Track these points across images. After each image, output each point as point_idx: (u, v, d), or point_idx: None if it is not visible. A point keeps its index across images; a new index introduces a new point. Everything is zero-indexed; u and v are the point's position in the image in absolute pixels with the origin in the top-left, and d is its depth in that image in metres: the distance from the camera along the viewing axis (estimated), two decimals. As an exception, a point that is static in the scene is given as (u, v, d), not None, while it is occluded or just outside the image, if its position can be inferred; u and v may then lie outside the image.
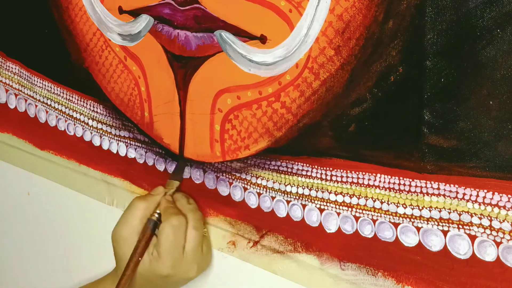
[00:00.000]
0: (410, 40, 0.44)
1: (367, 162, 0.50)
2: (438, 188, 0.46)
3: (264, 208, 0.59)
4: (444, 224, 0.47)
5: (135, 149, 0.68)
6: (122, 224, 0.60)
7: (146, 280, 0.58)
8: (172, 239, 0.56)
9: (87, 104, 0.72)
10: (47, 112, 0.77)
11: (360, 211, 0.51)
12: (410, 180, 0.48)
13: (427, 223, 0.48)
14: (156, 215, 0.59)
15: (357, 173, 0.51)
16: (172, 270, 0.56)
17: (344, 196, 0.52)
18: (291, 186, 0.56)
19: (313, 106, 0.51)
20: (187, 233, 0.57)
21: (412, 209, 0.48)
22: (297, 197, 0.55)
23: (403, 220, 0.49)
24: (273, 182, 0.57)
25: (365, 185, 0.50)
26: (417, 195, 0.48)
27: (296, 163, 0.54)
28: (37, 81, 0.76)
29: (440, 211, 0.47)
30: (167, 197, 0.61)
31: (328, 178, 0.53)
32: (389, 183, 0.49)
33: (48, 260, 0.87)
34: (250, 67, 0.54)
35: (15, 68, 0.78)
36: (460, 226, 0.46)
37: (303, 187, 0.55)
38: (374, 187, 0.50)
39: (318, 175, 0.53)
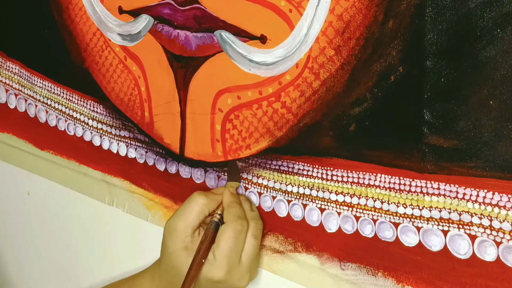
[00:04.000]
0: (410, 40, 0.44)
1: (367, 162, 0.50)
2: (438, 188, 0.46)
3: (265, 207, 0.59)
4: (444, 224, 0.47)
5: (136, 149, 0.68)
6: (178, 216, 0.55)
7: (195, 283, 0.54)
8: (232, 244, 0.53)
9: (87, 104, 0.72)
10: (47, 112, 0.77)
11: (361, 211, 0.51)
12: (410, 180, 0.48)
13: (427, 223, 0.48)
14: (218, 216, 0.55)
15: (358, 173, 0.51)
16: (225, 276, 0.53)
17: (344, 195, 0.52)
18: (292, 186, 0.56)
19: (313, 106, 0.51)
20: (246, 240, 0.54)
21: (413, 209, 0.48)
22: (297, 197, 0.56)
23: (403, 220, 0.49)
24: (274, 182, 0.57)
25: (365, 185, 0.50)
26: (417, 195, 0.48)
27: (297, 163, 0.54)
28: (37, 81, 0.76)
29: (440, 211, 0.47)
30: (231, 189, 0.57)
31: (329, 177, 0.53)
32: (389, 183, 0.49)
33: (48, 260, 0.87)
34: (250, 67, 0.54)
35: (15, 68, 0.78)
36: (460, 226, 0.46)
37: (304, 186, 0.55)
38: (374, 187, 0.50)
39: (319, 175, 0.53)
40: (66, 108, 0.74)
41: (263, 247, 0.60)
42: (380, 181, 0.50)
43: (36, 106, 0.78)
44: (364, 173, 0.50)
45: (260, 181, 0.58)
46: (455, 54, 0.43)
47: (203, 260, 0.53)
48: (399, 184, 0.49)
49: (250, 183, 0.59)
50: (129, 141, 0.69)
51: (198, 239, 0.55)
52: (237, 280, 0.54)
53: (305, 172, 0.54)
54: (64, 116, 0.75)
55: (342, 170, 0.52)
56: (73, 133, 0.75)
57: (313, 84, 0.51)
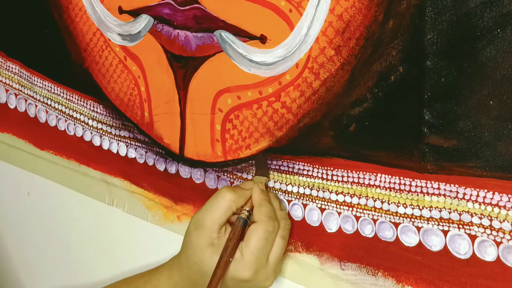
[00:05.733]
0: (410, 40, 0.44)
1: (367, 161, 0.50)
2: (439, 188, 0.46)
3: (264, 208, 0.58)
4: (444, 224, 0.47)
5: (135, 149, 0.68)
6: (205, 212, 0.54)
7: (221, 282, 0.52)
8: (262, 245, 0.52)
9: (87, 104, 0.72)
10: (47, 112, 0.77)
11: (361, 210, 0.52)
12: (411, 180, 0.48)
13: (428, 223, 0.48)
14: (246, 213, 0.54)
15: (358, 172, 0.51)
16: (252, 276, 0.52)
17: (344, 195, 0.52)
18: (292, 186, 0.56)
19: (313, 106, 0.51)
20: (274, 240, 0.53)
21: (413, 208, 0.48)
22: (298, 197, 0.56)
23: (403, 220, 0.49)
24: (274, 182, 0.57)
25: (365, 185, 0.50)
26: (418, 195, 0.48)
27: (297, 163, 0.54)
28: (37, 81, 0.76)
29: (440, 211, 0.47)
30: (260, 185, 0.55)
31: (329, 177, 0.53)
32: (389, 182, 0.49)
33: (48, 260, 0.87)
34: (250, 67, 0.54)
35: (15, 68, 0.78)
36: (461, 226, 0.46)
37: (304, 186, 0.55)
38: (374, 186, 0.50)
39: (319, 175, 0.53)
40: (66, 108, 0.74)
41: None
42: (380, 181, 0.50)
43: (36, 106, 0.78)
44: (364, 173, 0.50)
45: (260, 181, 0.58)
46: (455, 54, 0.43)
47: (231, 259, 0.52)
48: (399, 184, 0.49)
49: (250, 183, 0.59)
50: (129, 141, 0.69)
51: (225, 236, 0.53)
52: (262, 280, 0.53)
53: (305, 172, 0.54)
54: (64, 116, 0.75)
55: (342, 170, 0.52)
56: (73, 133, 0.75)
57: (313, 84, 0.51)
